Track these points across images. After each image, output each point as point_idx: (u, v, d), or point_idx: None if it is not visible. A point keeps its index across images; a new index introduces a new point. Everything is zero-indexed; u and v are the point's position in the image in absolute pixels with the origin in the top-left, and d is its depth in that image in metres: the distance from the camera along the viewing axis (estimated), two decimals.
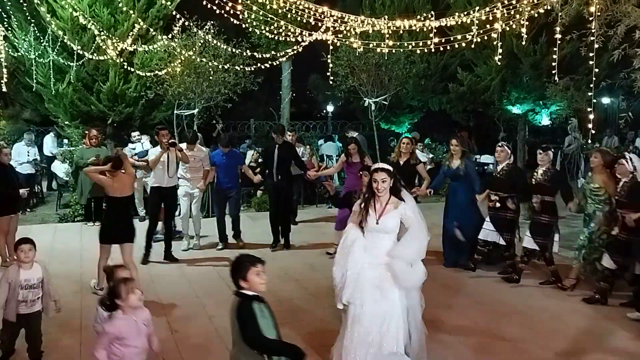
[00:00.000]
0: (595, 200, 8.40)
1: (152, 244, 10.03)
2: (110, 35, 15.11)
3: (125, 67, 16.08)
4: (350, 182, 10.30)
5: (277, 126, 12.51)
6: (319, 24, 13.14)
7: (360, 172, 8.31)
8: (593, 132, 9.01)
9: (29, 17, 15.78)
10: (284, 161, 11.26)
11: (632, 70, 8.60)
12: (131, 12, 15.54)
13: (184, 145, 10.68)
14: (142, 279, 8.79)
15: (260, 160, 13.89)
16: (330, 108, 29.61)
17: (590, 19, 8.57)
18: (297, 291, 8.69)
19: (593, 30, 8.52)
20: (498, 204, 9.00)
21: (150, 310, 5.15)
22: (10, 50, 15.91)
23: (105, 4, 16.53)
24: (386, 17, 13.66)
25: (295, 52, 15.02)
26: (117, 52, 15.13)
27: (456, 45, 12.96)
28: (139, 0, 17.07)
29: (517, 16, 10.55)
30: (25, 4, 15.41)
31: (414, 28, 12.89)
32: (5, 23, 15.63)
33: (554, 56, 10.13)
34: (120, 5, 15.15)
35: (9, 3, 16.12)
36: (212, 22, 15.08)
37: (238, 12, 12.00)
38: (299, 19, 12.91)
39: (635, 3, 8.18)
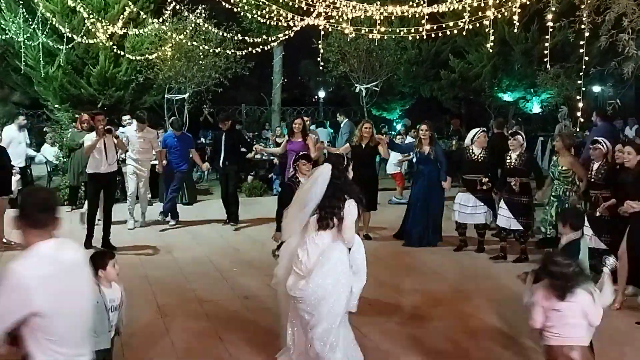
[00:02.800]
0: (565, 182, 8.77)
1: (94, 231, 9.83)
2: (101, 19, 15.00)
3: (116, 50, 16.02)
4: (290, 162, 10.34)
5: (223, 114, 12.87)
6: (311, 9, 13.11)
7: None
8: (582, 120, 9.10)
9: None
10: (231, 147, 11.76)
11: (622, 58, 8.63)
12: None
13: (133, 126, 10.99)
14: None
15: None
16: (321, 94, 29.57)
17: (582, 6, 8.60)
18: None
19: (583, 18, 8.55)
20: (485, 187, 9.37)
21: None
22: None
23: None
24: (378, 2, 13.66)
25: (286, 37, 14.99)
26: (108, 36, 15.05)
27: (448, 32, 12.98)
28: None
29: (509, 3, 10.55)
30: None
31: (406, 14, 12.89)
32: None
33: (546, 44, 10.15)
34: None
35: None
36: (203, 5, 15.02)
37: None
38: (290, 3, 12.88)
39: None
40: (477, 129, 9.99)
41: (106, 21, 15.03)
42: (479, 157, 9.58)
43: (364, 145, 10.55)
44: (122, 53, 16.12)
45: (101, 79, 16.91)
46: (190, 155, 12.23)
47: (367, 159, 10.67)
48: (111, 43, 15.71)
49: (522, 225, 9.02)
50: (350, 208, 5.28)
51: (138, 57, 16.02)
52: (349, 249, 5.35)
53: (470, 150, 9.71)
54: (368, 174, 10.41)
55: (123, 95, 17.25)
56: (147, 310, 7.11)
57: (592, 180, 8.14)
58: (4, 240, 9.78)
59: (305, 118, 12.81)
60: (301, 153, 7.46)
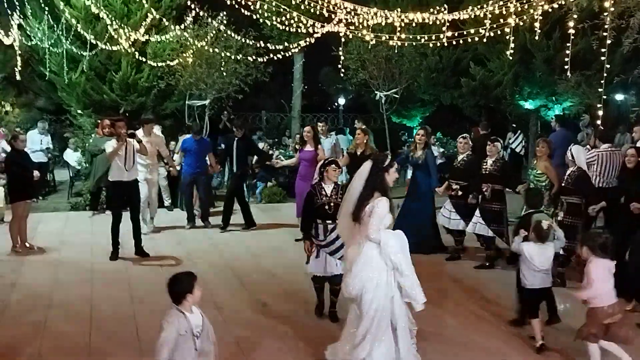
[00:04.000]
0: (538, 185, 8.94)
1: (119, 240, 9.72)
2: (123, 25, 15.09)
3: (138, 57, 16.08)
4: (304, 170, 10.63)
5: (236, 120, 12.90)
6: (332, 16, 13.10)
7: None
8: (602, 128, 9.03)
9: (43, 6, 15.76)
10: (242, 153, 11.90)
11: None
12: (144, 1, 15.52)
13: (140, 132, 10.74)
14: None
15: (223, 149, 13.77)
16: (341, 101, 29.50)
17: (605, 14, 8.51)
18: None
19: (606, 26, 8.46)
20: (460, 192, 9.51)
21: None
22: (24, 38, 15.93)
23: None
24: (399, 9, 13.61)
25: (307, 44, 14.99)
26: (130, 42, 15.13)
27: (469, 39, 12.92)
28: None
29: (531, 11, 10.48)
30: None
31: (426, 21, 12.84)
32: (19, 11, 15.65)
33: (567, 52, 10.06)
34: None
35: None
36: (223, 12, 15.07)
37: (250, 3, 11.99)
38: (311, 10, 12.88)
39: None
40: (460, 136, 10.22)
41: (129, 28, 15.12)
42: (459, 163, 9.80)
43: (358, 153, 10.52)
44: (144, 59, 16.19)
45: (123, 85, 17.01)
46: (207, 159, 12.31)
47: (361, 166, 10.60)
48: (133, 49, 15.79)
49: (493, 232, 9.15)
50: (378, 205, 5.35)
51: (160, 64, 16.09)
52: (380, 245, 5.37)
53: (456, 156, 10.06)
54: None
55: (145, 101, 17.33)
56: None
57: (562, 184, 8.54)
58: (27, 245, 9.85)
59: (321, 124, 12.74)
60: (330, 159, 7.35)
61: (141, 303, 7.56)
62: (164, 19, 15.29)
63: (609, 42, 8.48)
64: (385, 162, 5.67)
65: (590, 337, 5.67)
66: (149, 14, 14.88)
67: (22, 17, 15.86)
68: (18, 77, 16.17)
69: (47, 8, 15.71)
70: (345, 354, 5.53)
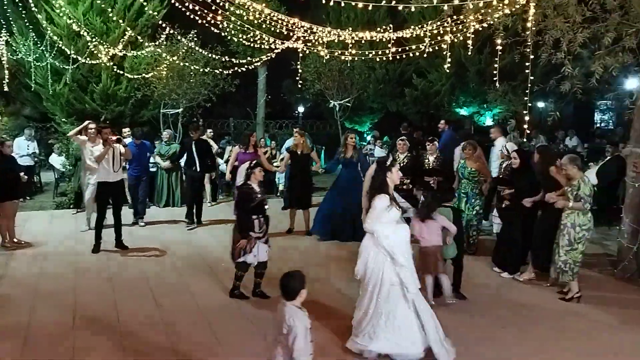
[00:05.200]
0: (473, 181, 9.23)
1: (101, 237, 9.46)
2: (103, 42, 14.92)
3: (116, 70, 15.95)
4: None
5: (192, 124, 12.84)
6: (291, 34, 13.10)
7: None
8: (528, 132, 9.22)
9: (28, 24, 15.51)
10: (202, 155, 11.50)
11: (560, 77, 8.73)
12: (121, 21, 15.35)
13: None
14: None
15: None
16: (301, 109, 29.58)
17: (526, 32, 8.68)
18: None
19: (527, 42, 8.64)
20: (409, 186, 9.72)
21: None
22: (11, 53, 15.68)
23: (98, 13, 16.32)
24: (350, 28, 13.69)
25: (269, 58, 15.01)
26: (109, 57, 14.95)
27: (411, 55, 13.03)
28: (128, 10, 16.87)
29: (464, 29, 10.61)
30: (24, 12, 15.15)
31: (374, 39, 12.93)
32: (6, 29, 15.38)
33: (495, 65, 10.25)
34: (111, 14, 14.95)
35: (9, 11, 15.85)
36: (194, 30, 14.98)
37: (218, 22, 11.91)
38: (272, 29, 12.85)
39: (563, 15, 8.29)
40: (399, 138, 10.61)
41: (107, 44, 14.95)
42: (402, 162, 9.98)
43: (298, 152, 10.76)
44: (122, 72, 16.05)
45: (103, 95, 16.81)
46: (152, 161, 12.26)
47: (302, 163, 10.82)
48: (112, 63, 15.62)
49: None
50: (376, 200, 5.54)
51: (136, 76, 15.95)
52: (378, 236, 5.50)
53: (397, 156, 10.19)
54: (304, 177, 10.80)
55: (123, 110, 17.16)
56: (145, 303, 7.07)
57: (501, 177, 8.88)
58: (15, 240, 9.69)
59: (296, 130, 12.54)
60: (255, 161, 7.40)
61: (121, 291, 7.47)
62: (140, 36, 15.15)
63: (531, 56, 8.66)
64: (386, 163, 5.90)
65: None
66: (126, 32, 14.73)
67: (8, 34, 15.60)
68: (6, 88, 15.89)
69: (31, 26, 15.47)
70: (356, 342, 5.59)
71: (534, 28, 8.54)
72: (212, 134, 14.85)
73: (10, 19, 15.64)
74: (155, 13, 15.31)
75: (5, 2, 15.54)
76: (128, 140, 11.75)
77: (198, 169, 11.43)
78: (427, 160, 9.79)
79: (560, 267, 7.27)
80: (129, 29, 14.62)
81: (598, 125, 27.34)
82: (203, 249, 9.64)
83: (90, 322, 6.41)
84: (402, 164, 9.89)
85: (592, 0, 8.12)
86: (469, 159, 9.43)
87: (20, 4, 14.86)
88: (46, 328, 6.26)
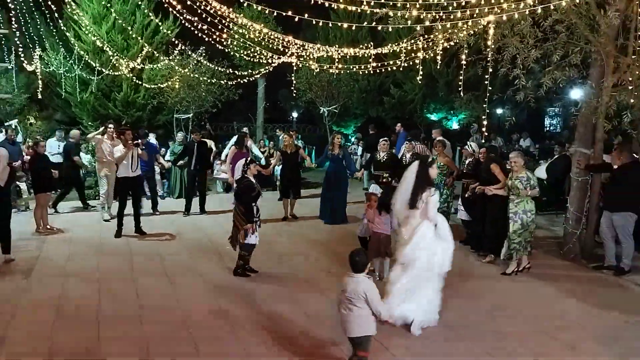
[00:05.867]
0: (441, 174, 9.25)
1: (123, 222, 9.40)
2: (123, 56, 14.87)
3: (135, 80, 15.89)
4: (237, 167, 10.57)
5: (196, 128, 12.78)
6: (286, 50, 13.09)
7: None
8: (487, 134, 9.29)
9: (58, 41, 15.46)
10: (201, 154, 11.45)
11: (516, 88, 8.77)
12: (140, 38, 15.30)
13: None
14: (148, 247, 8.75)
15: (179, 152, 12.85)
16: (294, 114, 29.57)
17: (487, 49, 8.71)
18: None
19: (489, 59, 8.67)
20: (389, 179, 9.64)
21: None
22: (44, 66, 15.60)
23: (120, 32, 16.27)
24: (337, 45, 13.70)
25: (267, 71, 14.97)
26: (129, 69, 14.91)
27: (389, 68, 13.05)
28: (146, 29, 16.82)
29: (434, 47, 10.64)
30: (55, 31, 15.06)
31: (357, 54, 12.94)
32: (39, 45, 15.30)
33: (461, 77, 10.28)
34: (131, 33, 14.90)
35: (42, 30, 15.77)
36: (203, 47, 14.94)
37: (223, 40, 11.88)
38: (270, 45, 12.83)
39: (519, 35, 8.32)
40: (381, 139, 10.48)
41: (128, 58, 14.91)
42: (382, 159, 9.97)
43: (289, 152, 11.01)
44: (141, 82, 16.01)
45: (124, 102, 16.78)
46: (167, 158, 12.02)
47: (292, 161, 11.04)
48: (132, 75, 15.56)
49: None
50: (432, 194, 5.53)
51: (152, 86, 15.91)
52: (435, 225, 5.56)
53: (378, 154, 10.11)
54: (293, 172, 11.04)
55: (142, 115, 17.16)
56: (160, 280, 7.06)
57: (464, 171, 8.97)
58: (48, 226, 9.64)
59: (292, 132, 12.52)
60: (250, 159, 7.54)
61: (139, 270, 7.47)
62: (156, 52, 15.11)
63: (490, 70, 8.70)
64: (428, 161, 5.84)
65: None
66: (144, 48, 14.68)
67: (42, 50, 15.51)
68: (39, 97, 15.79)
69: (61, 43, 15.39)
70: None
71: (493, 46, 8.57)
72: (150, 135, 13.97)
73: (43, 37, 15.57)
74: (169, 32, 15.29)
75: (39, 22, 15.45)
76: (152, 139, 11.76)
77: (199, 167, 11.33)
78: (404, 158, 9.80)
79: (514, 247, 7.39)
80: (146, 45, 14.59)
81: (547, 128, 27.53)
82: (209, 234, 9.62)
83: (112, 296, 6.40)
84: (382, 161, 9.92)
85: (543, 23, 8.17)
86: (440, 154, 9.52)
87: (51, 24, 14.78)
88: (75, 300, 6.25)
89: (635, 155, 9.09)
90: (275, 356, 4.93)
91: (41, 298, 6.33)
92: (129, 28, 15.22)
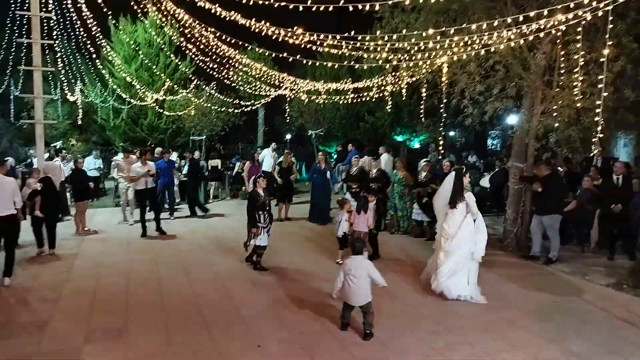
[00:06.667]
0: (400, 184, 9.39)
1: (146, 224, 9.24)
2: (149, 89, 14.80)
3: (158, 109, 15.80)
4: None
5: (190, 148, 12.95)
6: (281, 84, 13.14)
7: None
8: (442, 151, 9.38)
9: (95, 77, 15.33)
10: (193, 170, 11.58)
11: (464, 115, 8.87)
12: (162, 75, 15.24)
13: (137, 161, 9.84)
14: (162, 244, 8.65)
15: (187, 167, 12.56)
16: (288, 136, 29.52)
17: (442, 84, 8.81)
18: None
19: (443, 92, 8.77)
20: (358, 189, 9.42)
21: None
22: (84, 98, 15.48)
23: (146, 69, 16.19)
24: (322, 81, 13.77)
25: (266, 101, 15.02)
26: (153, 100, 14.82)
27: (364, 99, 13.15)
28: (167, 67, 16.77)
29: (400, 82, 10.74)
30: (93, 68, 14.97)
31: (338, 88, 13.03)
32: (80, 81, 15.21)
33: (421, 106, 10.38)
34: (155, 70, 14.83)
35: (82, 67, 15.68)
36: (214, 82, 14.94)
37: (230, 76, 11.90)
38: (268, 80, 12.87)
39: (469, 72, 8.42)
40: (353, 156, 10.60)
41: (153, 91, 14.83)
42: (354, 172, 9.89)
43: (285, 166, 11.16)
44: (162, 110, 15.92)
45: (150, 127, 16.66)
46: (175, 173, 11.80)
47: (287, 174, 11.06)
48: (156, 105, 15.47)
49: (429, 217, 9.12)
50: (470, 196, 5.87)
51: (172, 114, 15.84)
52: (474, 220, 5.82)
53: (351, 169, 10.12)
54: (287, 182, 11.04)
55: (164, 137, 17.03)
56: (178, 271, 6.98)
57: (421, 181, 9.05)
58: (85, 229, 9.49)
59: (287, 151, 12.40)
60: (259, 174, 7.49)
61: (161, 263, 7.39)
62: (176, 86, 15.05)
63: (444, 100, 8.79)
64: (462, 172, 6.07)
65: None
66: (165, 82, 14.62)
67: (82, 84, 15.40)
68: (79, 122, 15.63)
69: (98, 78, 15.28)
70: (435, 278, 5.90)
71: (447, 81, 8.69)
72: (198, 154, 13.64)
73: (84, 73, 15.47)
74: (187, 69, 15.24)
75: (80, 62, 15.36)
76: (173, 157, 11.73)
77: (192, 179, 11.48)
78: (371, 173, 9.66)
79: None
80: (168, 80, 14.54)
81: (490, 147, 27.74)
82: (220, 234, 9.54)
83: (139, 286, 6.31)
84: (353, 174, 9.82)
85: (486, 63, 8.29)
86: (400, 169, 9.51)
87: (90, 63, 14.69)
88: (108, 289, 6.16)
89: (560, 169, 9.23)
90: (277, 330, 4.89)
91: (81, 286, 6.23)
92: (154, 67, 15.19)
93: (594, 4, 5.54)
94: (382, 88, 11.61)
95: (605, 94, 6.53)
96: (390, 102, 12.06)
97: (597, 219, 8.18)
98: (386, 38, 7.60)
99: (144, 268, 7.12)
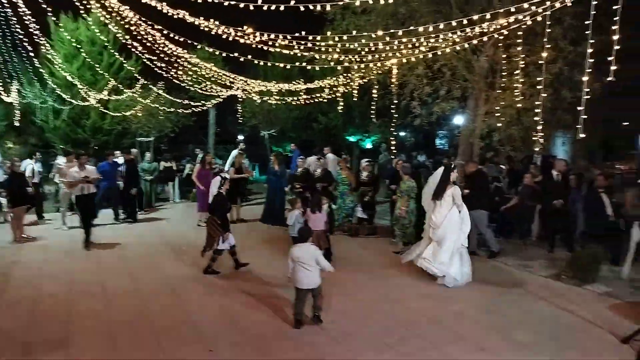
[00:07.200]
0: (343, 184, 9.47)
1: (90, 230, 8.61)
2: (92, 89, 14.17)
3: (102, 109, 15.17)
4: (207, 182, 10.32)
5: (126, 150, 12.29)
6: (232, 85, 12.96)
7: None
8: (394, 150, 9.62)
9: (34, 76, 14.52)
10: (131, 171, 11.14)
11: (414, 115, 9.12)
12: (106, 74, 14.64)
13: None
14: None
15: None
16: (241, 137, 29.18)
17: (392, 85, 9.01)
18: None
19: (393, 93, 8.98)
20: (302, 190, 9.41)
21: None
22: (21, 98, 14.61)
23: (89, 68, 15.51)
24: (274, 81, 13.71)
25: (217, 102, 14.77)
26: (96, 100, 14.21)
27: (317, 100, 13.22)
28: (112, 66, 16.15)
29: (352, 83, 10.89)
30: (31, 67, 14.14)
31: (291, 88, 13.02)
32: (17, 80, 14.34)
33: (372, 107, 10.57)
34: (98, 69, 14.23)
35: (19, 66, 14.80)
36: (162, 82, 14.50)
37: (179, 76, 11.60)
38: (219, 81, 12.66)
39: (417, 74, 8.67)
40: (298, 157, 10.64)
41: (95, 91, 14.21)
42: (298, 173, 9.90)
43: (237, 166, 11.01)
44: (107, 111, 15.30)
45: (92, 128, 15.97)
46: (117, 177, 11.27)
47: (239, 174, 10.92)
48: (99, 105, 14.85)
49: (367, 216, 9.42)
50: (456, 189, 6.36)
51: (117, 114, 15.26)
52: (460, 211, 6.31)
53: (297, 170, 10.13)
54: (243, 183, 11.16)
55: (108, 139, 16.37)
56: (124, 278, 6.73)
57: (363, 181, 9.31)
58: (24, 235, 8.96)
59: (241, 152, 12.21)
60: (224, 177, 7.32)
61: (106, 270, 7.09)
62: (121, 85, 14.50)
63: (395, 101, 9.01)
64: (451, 168, 6.58)
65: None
66: (109, 82, 14.05)
67: (19, 84, 14.53)
68: (17, 124, 14.74)
69: (37, 77, 14.49)
70: (424, 259, 6.38)
71: (397, 83, 8.90)
72: (136, 152, 13.36)
73: (20, 73, 14.60)
74: (132, 69, 14.72)
75: (17, 60, 14.47)
76: (121, 160, 11.25)
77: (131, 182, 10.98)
78: (316, 172, 9.74)
79: (400, 234, 8.04)
80: (112, 79, 13.98)
81: (438, 146, 28.68)
82: (169, 238, 9.28)
83: (82, 294, 6.02)
84: (298, 174, 9.80)
85: (433, 65, 8.57)
86: (343, 169, 9.61)
87: (27, 62, 13.87)
88: (49, 298, 5.85)
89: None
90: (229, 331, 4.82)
91: (20, 296, 5.88)
92: (97, 65, 14.55)
93: (533, 8, 5.86)
94: (334, 89, 11.73)
95: (544, 95, 6.93)
96: (342, 103, 12.18)
97: (537, 214, 8.63)
98: (337, 39, 7.68)
99: (87, 276, 6.80)
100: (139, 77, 13.52)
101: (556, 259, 7.68)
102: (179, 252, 8.00)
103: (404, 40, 7.28)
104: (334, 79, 11.33)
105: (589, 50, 5.32)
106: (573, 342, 4.71)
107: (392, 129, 9.84)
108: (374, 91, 10.31)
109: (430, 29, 6.95)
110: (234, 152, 13.11)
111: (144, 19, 8.31)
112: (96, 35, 15.28)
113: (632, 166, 17.72)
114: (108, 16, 9.33)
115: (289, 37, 7.06)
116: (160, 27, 8.26)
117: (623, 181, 14.97)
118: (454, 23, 6.72)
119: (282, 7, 6.12)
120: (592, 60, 5.32)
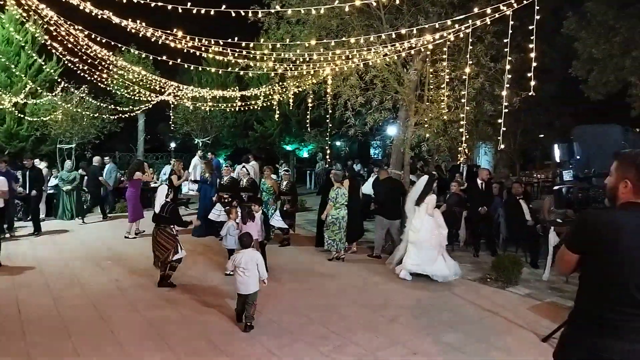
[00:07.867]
0: (268, 193, 9.49)
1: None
2: (6, 92, 13.07)
3: (18, 114, 14.04)
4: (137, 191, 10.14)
5: (28, 155, 11.44)
6: (163, 90, 12.54)
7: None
8: (329, 160, 9.74)
9: None
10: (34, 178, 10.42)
11: (348, 126, 9.29)
12: (24, 76, 13.62)
13: None
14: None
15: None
16: (173, 145, 28.21)
17: (327, 96, 9.14)
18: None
19: (328, 103, 9.11)
20: (229, 199, 9.17)
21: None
22: None
23: (4, 70, 14.31)
24: (208, 87, 13.45)
25: (146, 107, 14.20)
26: (12, 104, 13.12)
27: (252, 108, 13.12)
28: (30, 68, 15.04)
29: (287, 92, 10.92)
30: None
31: (226, 95, 12.83)
32: None
33: (308, 117, 10.66)
34: (15, 71, 13.18)
35: None
36: (85, 85, 13.70)
37: (104, 79, 11.02)
38: (148, 85, 12.19)
39: (351, 84, 8.85)
40: (224, 166, 10.51)
41: (11, 94, 13.11)
42: (225, 182, 9.62)
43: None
44: (24, 116, 14.19)
45: (7, 134, 14.73)
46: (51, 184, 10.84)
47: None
48: (15, 109, 13.72)
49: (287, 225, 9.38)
50: (431, 198, 7.02)
51: (36, 119, 14.18)
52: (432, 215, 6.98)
53: (222, 179, 9.87)
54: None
55: (25, 146, 15.14)
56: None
57: (282, 190, 9.41)
58: None
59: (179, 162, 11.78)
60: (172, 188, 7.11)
61: (21, 287, 6.51)
62: (40, 88, 13.54)
63: (330, 111, 9.13)
64: (434, 178, 7.21)
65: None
66: (27, 84, 13.07)
67: None
68: None
69: None
70: (413, 265, 6.95)
71: (331, 93, 9.04)
72: (41, 163, 12.75)
73: None
74: (53, 71, 13.80)
75: None
76: (42, 165, 10.46)
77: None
78: (242, 182, 9.55)
79: (331, 242, 8.12)
80: (30, 82, 13.00)
81: (372, 155, 29.48)
82: (93, 250, 8.73)
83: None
84: (225, 184, 9.56)
85: (365, 77, 8.80)
86: (267, 178, 9.61)
87: None
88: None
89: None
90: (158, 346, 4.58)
91: None
92: (13, 67, 13.46)
93: (457, 26, 6.22)
94: (270, 97, 11.70)
95: (468, 107, 7.36)
96: (278, 112, 12.19)
97: (464, 220, 9.10)
98: (271, 47, 7.68)
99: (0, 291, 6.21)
100: (60, 80, 12.72)
101: (481, 262, 8.10)
102: (103, 267, 7.54)
103: (338, 51, 7.42)
104: (269, 87, 11.31)
105: (508, 67, 5.73)
106: (499, 342, 4.97)
107: (327, 139, 9.96)
108: (309, 100, 10.42)
109: (362, 41, 7.15)
110: (195, 160, 12.90)
111: (63, 18, 7.83)
112: (11, 34, 14.18)
113: (548, 175, 19.23)
114: (25, 14, 8.69)
115: (220, 42, 6.95)
116: (81, 27, 7.81)
117: (540, 189, 16.25)
118: (384, 37, 6.95)
119: (212, 12, 6.00)
120: (509, 76, 5.73)
